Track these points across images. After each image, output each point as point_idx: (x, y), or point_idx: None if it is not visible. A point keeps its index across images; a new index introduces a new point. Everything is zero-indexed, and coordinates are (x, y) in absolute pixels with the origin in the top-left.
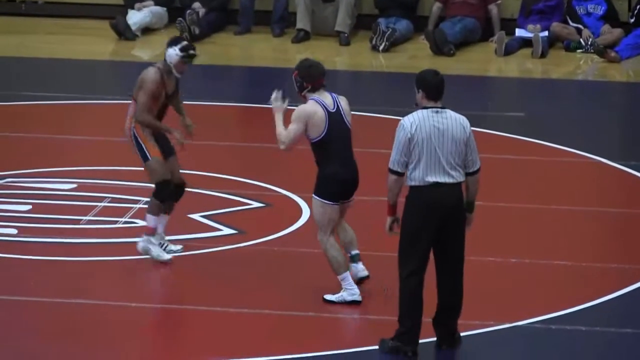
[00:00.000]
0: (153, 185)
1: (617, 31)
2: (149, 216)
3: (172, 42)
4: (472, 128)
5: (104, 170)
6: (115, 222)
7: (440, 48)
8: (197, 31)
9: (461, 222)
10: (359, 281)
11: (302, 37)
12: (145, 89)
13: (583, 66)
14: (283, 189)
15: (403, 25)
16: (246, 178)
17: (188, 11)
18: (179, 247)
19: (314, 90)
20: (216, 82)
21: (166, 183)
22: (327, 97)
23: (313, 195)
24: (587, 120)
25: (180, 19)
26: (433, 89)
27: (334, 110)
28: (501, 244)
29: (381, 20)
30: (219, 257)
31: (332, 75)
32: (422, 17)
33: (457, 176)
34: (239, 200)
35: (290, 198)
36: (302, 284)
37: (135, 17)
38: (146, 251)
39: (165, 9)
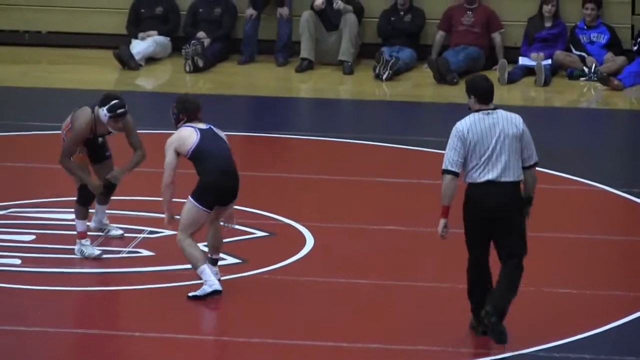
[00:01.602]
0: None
1: (620, 59)
2: (77, 221)
3: (101, 102)
4: None
5: (111, 199)
6: (120, 252)
7: (443, 76)
8: (201, 64)
9: (514, 218)
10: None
11: (306, 66)
12: (72, 134)
13: (586, 94)
14: (287, 218)
15: (406, 53)
16: (250, 207)
17: (193, 42)
18: (120, 232)
19: (188, 122)
20: (220, 111)
21: (86, 188)
22: (200, 124)
23: (189, 196)
24: (591, 148)
25: (186, 46)
26: (484, 94)
27: (205, 128)
28: None
29: (384, 49)
30: (222, 286)
31: (336, 104)
32: (425, 46)
33: (511, 174)
34: (242, 230)
35: (294, 227)
36: (306, 313)
37: (138, 47)
38: (81, 253)
39: (168, 38)
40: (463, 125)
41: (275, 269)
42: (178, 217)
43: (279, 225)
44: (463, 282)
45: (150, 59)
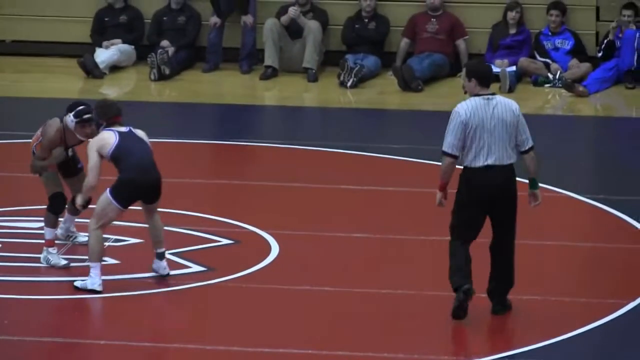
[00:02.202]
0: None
1: (585, 65)
2: (46, 229)
3: (68, 109)
4: (437, 163)
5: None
6: (84, 261)
7: (408, 84)
8: (167, 72)
9: (511, 201)
10: (162, 277)
11: (270, 73)
12: (43, 142)
13: (551, 101)
14: (251, 225)
15: (371, 61)
16: (215, 215)
17: (160, 50)
18: (86, 239)
19: (108, 126)
20: (185, 119)
21: (57, 196)
22: (120, 128)
23: (107, 189)
24: (556, 154)
25: (152, 54)
26: (485, 77)
27: (125, 131)
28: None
29: (349, 57)
30: (188, 294)
31: (300, 112)
32: (389, 53)
33: (508, 158)
34: (207, 238)
35: (259, 235)
36: (272, 320)
37: (103, 55)
38: (47, 261)
39: (133, 47)
40: (464, 109)
41: (240, 276)
42: (93, 206)
43: (244, 233)
44: (426, 289)
45: (115, 68)
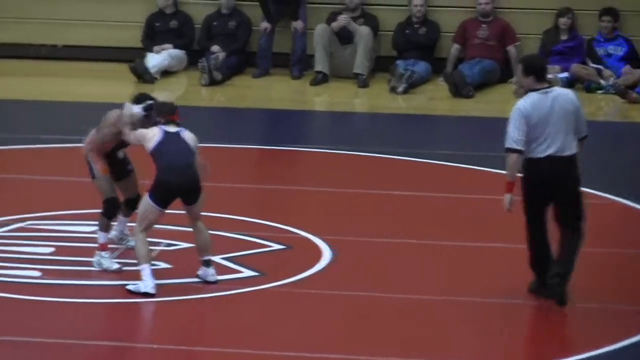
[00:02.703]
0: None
1: (638, 72)
2: (99, 233)
3: (135, 100)
4: (493, 170)
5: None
6: (137, 265)
7: (459, 90)
8: (219, 77)
9: (575, 188)
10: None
11: (321, 79)
12: (103, 128)
13: (604, 107)
14: (303, 230)
15: (421, 67)
16: (266, 220)
17: (212, 56)
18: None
19: (164, 124)
20: (235, 124)
21: (112, 201)
22: (171, 128)
23: (147, 192)
24: (609, 161)
25: (203, 59)
26: (542, 71)
27: (173, 132)
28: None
29: (399, 62)
30: (239, 299)
31: (351, 118)
32: (440, 59)
33: (571, 148)
34: (259, 243)
35: (310, 240)
36: (322, 325)
37: (154, 60)
38: (99, 265)
39: (184, 51)
40: (525, 105)
41: (292, 282)
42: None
43: (295, 238)
44: (478, 296)
45: (166, 72)
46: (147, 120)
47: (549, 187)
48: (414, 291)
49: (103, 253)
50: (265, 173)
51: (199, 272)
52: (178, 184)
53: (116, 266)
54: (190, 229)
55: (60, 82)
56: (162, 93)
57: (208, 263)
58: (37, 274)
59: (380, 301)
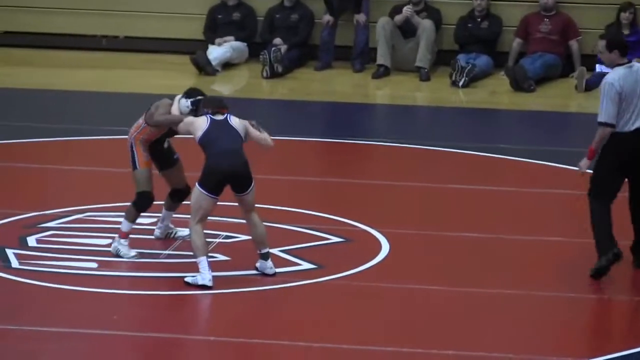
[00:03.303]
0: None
1: None
2: (124, 221)
3: (186, 94)
4: (553, 164)
5: (184, 205)
6: (191, 256)
7: (520, 84)
8: (280, 69)
9: None
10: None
11: (383, 72)
12: (156, 115)
13: None
14: (362, 223)
15: (483, 61)
16: (325, 213)
17: (273, 48)
18: (186, 232)
19: (212, 114)
20: (297, 117)
21: (146, 195)
22: (217, 116)
23: (196, 182)
24: None
25: (264, 52)
26: (625, 47)
27: (219, 119)
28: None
29: (461, 56)
30: (298, 291)
31: (412, 111)
32: (502, 53)
33: None
34: (318, 235)
35: (370, 233)
36: (382, 318)
37: (215, 52)
38: (117, 251)
39: (245, 44)
40: (616, 79)
41: (350, 274)
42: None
43: (355, 232)
44: (539, 289)
45: (227, 65)
46: (193, 115)
47: (634, 161)
48: (473, 285)
49: (122, 240)
50: (326, 166)
51: (257, 265)
52: (227, 169)
53: (133, 253)
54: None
55: (121, 73)
56: (223, 85)
57: (266, 256)
58: (94, 265)
59: (438, 294)
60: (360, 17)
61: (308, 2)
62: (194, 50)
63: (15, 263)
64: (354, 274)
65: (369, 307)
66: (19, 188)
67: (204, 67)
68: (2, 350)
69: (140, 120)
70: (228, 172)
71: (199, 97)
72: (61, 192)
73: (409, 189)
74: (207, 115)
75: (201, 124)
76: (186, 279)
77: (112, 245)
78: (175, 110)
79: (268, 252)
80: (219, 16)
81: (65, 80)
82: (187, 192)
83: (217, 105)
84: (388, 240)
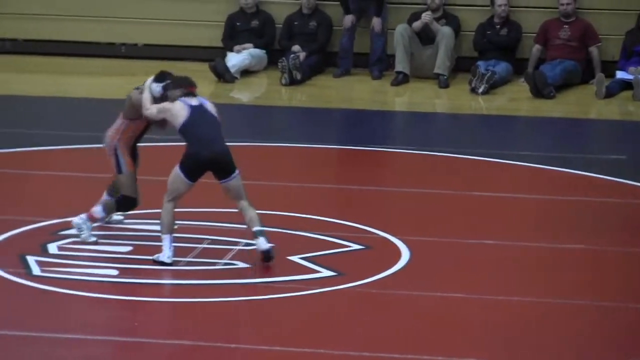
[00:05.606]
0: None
1: None
2: (99, 210)
3: (156, 78)
4: (573, 171)
5: (204, 212)
6: (215, 264)
7: (540, 90)
8: (299, 76)
9: None
10: (262, 254)
11: (401, 79)
12: (127, 110)
13: None
14: (382, 231)
15: (502, 67)
16: (345, 220)
17: (292, 55)
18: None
19: (182, 96)
20: (315, 124)
21: (131, 200)
22: (193, 100)
23: (177, 165)
24: None
25: (283, 59)
26: None
27: (196, 104)
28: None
29: (480, 63)
30: (317, 299)
31: (431, 118)
32: (521, 60)
33: None
34: (338, 243)
35: (389, 240)
36: (403, 326)
37: (234, 60)
38: (79, 228)
39: (264, 51)
40: None
41: (371, 282)
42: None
43: (375, 239)
44: (561, 298)
45: (246, 72)
46: (163, 100)
47: None
48: (495, 293)
49: (89, 223)
50: (345, 173)
51: (255, 248)
52: (208, 156)
53: (93, 239)
54: (273, 229)
55: (140, 81)
56: (242, 92)
57: (257, 234)
58: (115, 272)
59: (458, 302)
60: (376, 23)
61: (326, 8)
62: (212, 57)
63: (36, 270)
64: (374, 281)
65: (389, 314)
66: (40, 195)
67: (222, 75)
68: (24, 357)
69: (119, 121)
70: (209, 159)
71: (169, 82)
72: (82, 199)
73: (428, 197)
74: (184, 102)
75: (179, 110)
76: (153, 257)
77: (75, 220)
78: (146, 96)
79: (260, 230)
80: (238, 23)
81: (84, 87)
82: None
83: (188, 83)
84: (408, 248)
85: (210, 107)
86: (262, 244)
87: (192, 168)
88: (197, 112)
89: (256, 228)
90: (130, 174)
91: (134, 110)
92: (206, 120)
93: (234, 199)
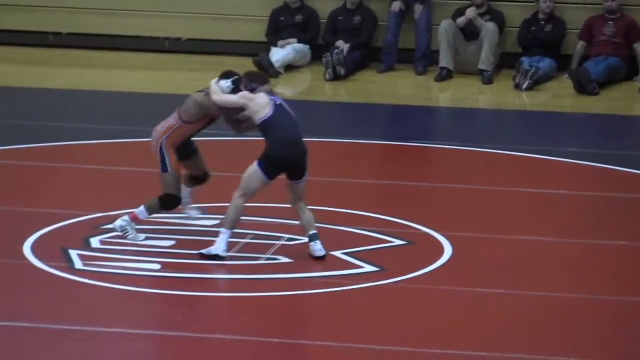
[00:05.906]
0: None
1: None
2: (143, 211)
3: (222, 76)
4: (616, 167)
5: (247, 206)
6: (258, 259)
7: (584, 87)
8: (342, 72)
9: None
10: (316, 259)
11: (445, 75)
12: (191, 110)
13: None
14: (425, 226)
15: (546, 63)
16: (387, 215)
17: (335, 51)
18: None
19: (264, 90)
20: (359, 119)
21: (175, 198)
22: (275, 97)
23: (256, 160)
24: None
25: (327, 54)
26: None
27: (278, 102)
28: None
29: (524, 59)
30: (360, 294)
31: (475, 114)
32: (565, 56)
33: None
34: (380, 238)
35: (432, 236)
36: (444, 321)
37: (278, 54)
38: (122, 229)
39: (308, 46)
40: None
41: (413, 277)
42: None
43: (418, 234)
44: (607, 294)
45: (290, 67)
46: (234, 94)
47: None
48: (533, 288)
49: (134, 223)
50: (388, 168)
51: (309, 250)
52: (292, 157)
53: (141, 237)
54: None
55: (183, 75)
56: (285, 87)
57: (314, 237)
58: (157, 266)
59: (500, 298)
60: (418, 9)
61: (370, 4)
62: (256, 52)
63: (78, 264)
64: (416, 276)
65: (431, 310)
66: (82, 189)
67: (266, 69)
68: (67, 351)
69: (172, 120)
70: (292, 161)
71: (237, 77)
72: (124, 193)
73: (471, 192)
74: (269, 97)
75: (264, 105)
76: (202, 251)
77: (118, 223)
78: (215, 88)
79: (316, 233)
80: (282, 18)
81: (127, 81)
82: (204, 179)
83: (263, 78)
84: (451, 243)
85: (289, 108)
86: (318, 250)
87: (273, 167)
88: (280, 110)
89: (312, 232)
90: (175, 173)
91: (194, 113)
92: (289, 120)
93: (295, 199)
